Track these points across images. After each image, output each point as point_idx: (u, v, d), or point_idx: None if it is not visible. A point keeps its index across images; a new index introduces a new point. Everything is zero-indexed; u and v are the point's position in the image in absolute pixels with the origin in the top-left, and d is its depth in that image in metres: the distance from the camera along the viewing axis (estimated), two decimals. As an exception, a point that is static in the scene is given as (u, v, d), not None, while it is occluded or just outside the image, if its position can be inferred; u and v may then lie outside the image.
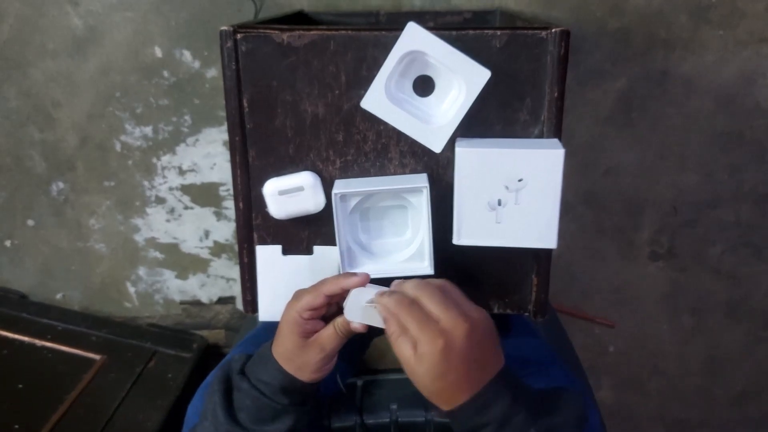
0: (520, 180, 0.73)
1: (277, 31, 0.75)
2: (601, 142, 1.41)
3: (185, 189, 1.47)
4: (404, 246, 0.80)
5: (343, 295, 0.69)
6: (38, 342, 1.44)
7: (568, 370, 0.94)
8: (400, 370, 0.99)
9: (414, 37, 0.72)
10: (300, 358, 0.70)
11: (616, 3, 1.30)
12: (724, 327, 1.61)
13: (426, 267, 0.78)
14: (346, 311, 0.69)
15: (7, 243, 1.55)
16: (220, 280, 1.57)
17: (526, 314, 0.85)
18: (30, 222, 1.53)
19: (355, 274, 0.70)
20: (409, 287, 0.66)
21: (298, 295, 0.70)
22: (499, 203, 0.75)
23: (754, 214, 1.48)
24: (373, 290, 0.69)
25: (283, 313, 0.71)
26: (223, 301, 1.60)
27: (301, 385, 0.70)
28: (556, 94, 0.75)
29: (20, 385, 1.33)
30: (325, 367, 0.71)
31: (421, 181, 0.77)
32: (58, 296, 1.60)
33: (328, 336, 0.70)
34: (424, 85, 0.77)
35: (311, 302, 0.68)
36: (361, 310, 0.69)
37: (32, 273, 1.58)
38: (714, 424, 1.73)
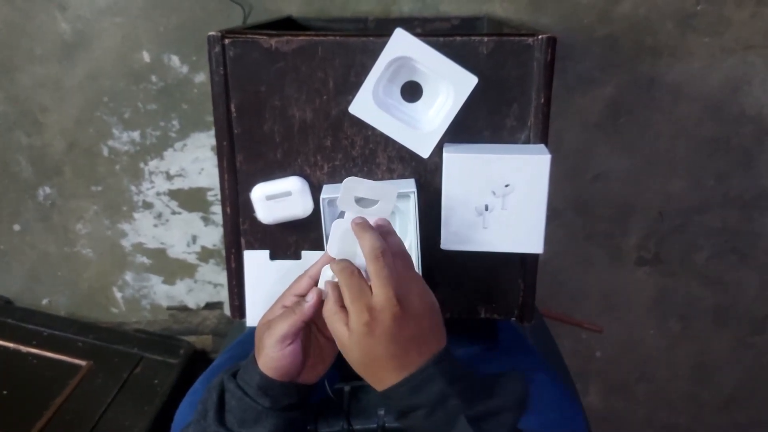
0: (506, 185, 0.74)
1: (265, 37, 0.75)
2: (589, 148, 1.42)
3: (173, 194, 1.47)
4: (392, 251, 0.80)
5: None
6: (24, 348, 1.43)
7: (555, 376, 0.94)
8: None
9: (402, 43, 0.73)
10: (258, 346, 0.69)
11: (603, 10, 1.30)
12: (711, 332, 1.62)
13: (413, 272, 0.78)
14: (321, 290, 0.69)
15: (-7, 248, 1.54)
16: (207, 286, 1.57)
17: (513, 319, 0.86)
18: (16, 227, 1.52)
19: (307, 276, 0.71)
20: (366, 250, 0.65)
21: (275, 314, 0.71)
22: (486, 208, 0.75)
23: (740, 220, 1.49)
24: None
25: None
26: (210, 306, 1.59)
27: (279, 385, 0.68)
28: (542, 100, 0.76)
29: (5, 392, 1.32)
30: (290, 361, 0.68)
31: (409, 186, 0.77)
32: (45, 302, 1.59)
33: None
34: (412, 91, 0.77)
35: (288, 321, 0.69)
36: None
37: (18, 278, 1.57)
38: (702, 430, 1.74)
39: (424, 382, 0.62)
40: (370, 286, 0.64)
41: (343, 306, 0.64)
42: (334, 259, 0.69)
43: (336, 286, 0.66)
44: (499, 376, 0.69)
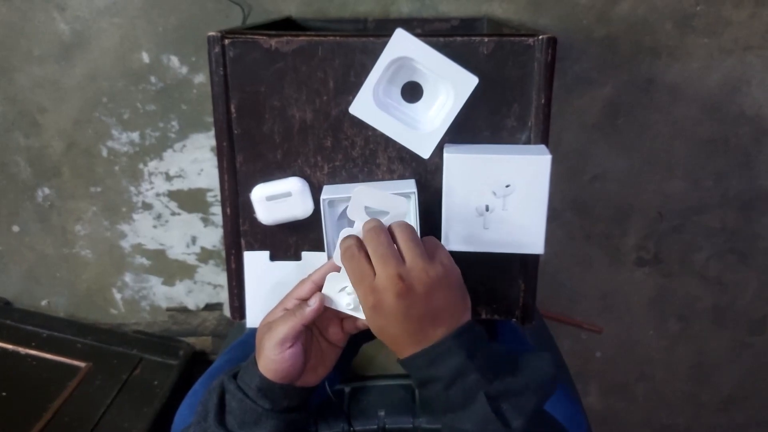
0: (507, 186, 0.74)
1: (264, 37, 0.75)
2: (587, 148, 1.42)
3: (172, 195, 1.47)
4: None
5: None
6: (22, 350, 1.43)
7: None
8: (387, 377, 0.99)
9: (402, 44, 0.72)
10: (258, 348, 0.69)
11: (602, 11, 1.31)
12: (710, 333, 1.62)
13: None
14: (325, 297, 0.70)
15: (-8, 249, 1.54)
16: (207, 287, 1.57)
17: (514, 320, 0.86)
18: (15, 228, 1.51)
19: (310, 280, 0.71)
20: (365, 229, 0.66)
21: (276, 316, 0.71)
22: (487, 209, 0.75)
23: (739, 220, 1.49)
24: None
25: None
26: (210, 307, 1.59)
27: (278, 387, 0.68)
28: (543, 101, 0.76)
29: (4, 393, 1.32)
30: (290, 364, 0.68)
31: (409, 186, 0.77)
32: (43, 303, 1.59)
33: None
34: (412, 92, 0.77)
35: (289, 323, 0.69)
36: (335, 295, 0.70)
37: (17, 279, 1.57)
38: (700, 430, 1.74)
39: (442, 354, 0.62)
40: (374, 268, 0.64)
41: None
42: (339, 267, 0.69)
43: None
44: (528, 355, 0.66)
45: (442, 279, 0.63)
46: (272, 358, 0.67)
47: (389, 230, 0.66)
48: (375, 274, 0.63)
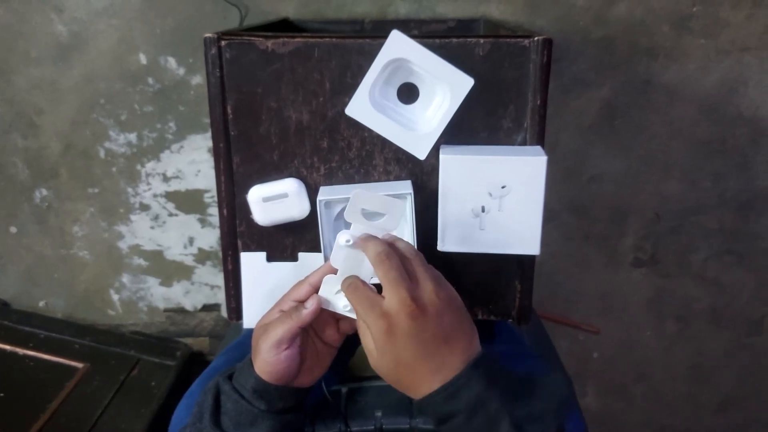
0: (503, 187, 0.74)
1: (261, 38, 0.75)
2: (585, 149, 1.42)
3: (169, 196, 1.47)
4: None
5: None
6: (20, 350, 1.43)
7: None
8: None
9: (398, 45, 0.73)
10: (255, 349, 0.69)
11: (599, 12, 1.31)
12: (708, 333, 1.62)
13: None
14: (321, 299, 0.70)
15: (-10, 250, 1.54)
16: (204, 288, 1.57)
17: (510, 320, 0.86)
18: (13, 229, 1.51)
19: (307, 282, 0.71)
20: (371, 256, 0.64)
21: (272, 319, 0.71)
22: (483, 210, 0.75)
23: (736, 221, 1.49)
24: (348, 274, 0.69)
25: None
26: (207, 308, 1.59)
27: (274, 388, 0.68)
28: (539, 102, 0.76)
29: (2, 394, 1.32)
30: (286, 366, 0.68)
31: (405, 187, 0.77)
32: (41, 304, 1.59)
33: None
34: (408, 93, 0.77)
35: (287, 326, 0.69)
36: (332, 297, 0.70)
37: (15, 280, 1.57)
38: (698, 430, 1.74)
39: (461, 387, 0.60)
40: (382, 295, 0.63)
41: None
42: (335, 269, 0.69)
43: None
44: (542, 379, 0.66)
45: (452, 302, 0.64)
46: (268, 360, 0.67)
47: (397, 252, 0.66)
48: (384, 299, 0.62)
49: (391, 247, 0.65)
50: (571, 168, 1.44)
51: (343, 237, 0.68)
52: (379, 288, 0.64)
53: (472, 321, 0.66)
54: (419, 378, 0.62)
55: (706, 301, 1.58)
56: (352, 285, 0.65)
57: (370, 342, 0.63)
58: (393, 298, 0.61)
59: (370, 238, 0.66)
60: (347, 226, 0.73)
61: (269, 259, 0.84)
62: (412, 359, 0.61)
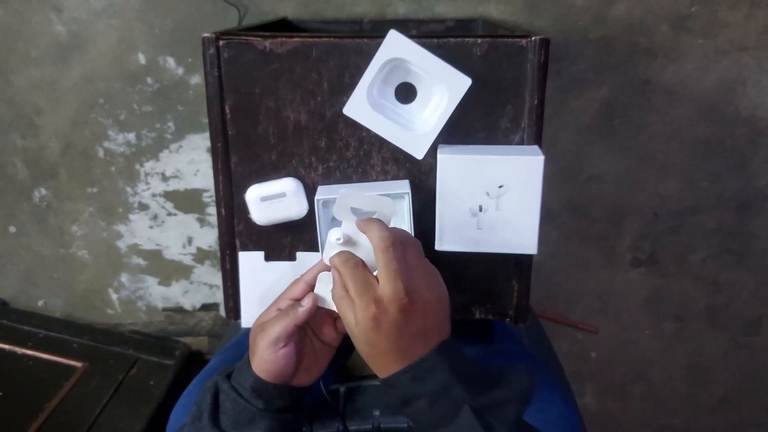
0: (500, 186, 0.74)
1: (259, 38, 0.75)
2: (583, 149, 1.42)
3: (168, 195, 1.47)
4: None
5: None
6: (19, 350, 1.43)
7: (551, 377, 0.94)
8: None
9: (395, 45, 0.73)
10: (252, 348, 0.69)
11: (598, 12, 1.31)
12: (705, 333, 1.62)
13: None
14: (317, 297, 0.70)
15: (-11, 250, 1.54)
16: (203, 287, 1.57)
17: (508, 320, 0.86)
18: (12, 229, 1.52)
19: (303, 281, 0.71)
20: (375, 241, 0.64)
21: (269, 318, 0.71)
22: (481, 209, 0.75)
23: (734, 221, 1.49)
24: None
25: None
26: (206, 307, 1.59)
27: (272, 387, 0.68)
28: (536, 102, 0.76)
29: (0, 393, 1.32)
30: (283, 364, 0.68)
31: (403, 187, 0.77)
32: (40, 303, 1.59)
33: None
34: (406, 93, 0.78)
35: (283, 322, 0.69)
36: (328, 295, 0.70)
37: (14, 280, 1.57)
38: (696, 430, 1.74)
39: (427, 370, 0.62)
40: (376, 277, 0.63)
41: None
42: (329, 266, 0.69)
43: (339, 272, 0.65)
44: (505, 369, 0.67)
45: (440, 300, 0.65)
46: (265, 358, 0.68)
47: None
48: (377, 285, 0.63)
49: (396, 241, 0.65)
50: (570, 168, 1.44)
51: (334, 234, 0.68)
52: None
53: (450, 321, 0.67)
54: (388, 362, 0.63)
55: (704, 300, 1.58)
56: (349, 261, 0.65)
57: (351, 319, 0.63)
58: (388, 287, 0.62)
59: (374, 221, 0.66)
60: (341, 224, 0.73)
61: (267, 258, 0.84)
62: (389, 347, 0.62)
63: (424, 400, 0.62)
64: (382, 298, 0.62)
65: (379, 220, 0.66)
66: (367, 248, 0.67)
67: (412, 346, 0.62)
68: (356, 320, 0.63)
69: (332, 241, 0.68)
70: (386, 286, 0.62)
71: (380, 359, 0.64)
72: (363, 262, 0.65)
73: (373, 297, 0.62)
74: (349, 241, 0.68)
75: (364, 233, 0.67)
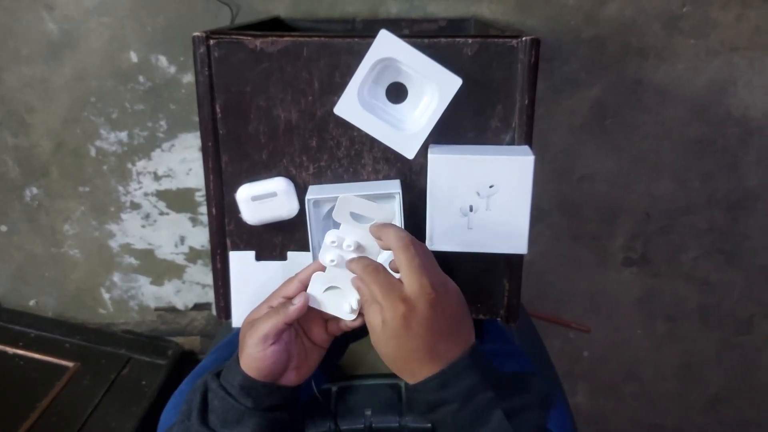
0: (491, 186, 0.74)
1: (250, 37, 0.75)
2: (575, 149, 1.42)
3: (161, 194, 1.47)
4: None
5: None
6: (10, 350, 1.43)
7: (541, 376, 0.95)
8: (374, 376, 0.99)
9: (386, 45, 0.73)
10: (241, 345, 0.69)
11: (590, 12, 1.31)
12: (697, 332, 1.63)
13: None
14: (309, 296, 0.70)
15: (-20, 249, 1.54)
16: (195, 287, 1.57)
17: (499, 319, 0.86)
18: (3, 228, 1.51)
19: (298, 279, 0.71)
20: (394, 241, 0.65)
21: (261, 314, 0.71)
22: (471, 209, 0.75)
23: (726, 221, 1.50)
24: (336, 272, 0.70)
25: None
26: (198, 307, 1.59)
27: (261, 385, 0.68)
28: (526, 102, 0.76)
29: (-8, 393, 1.32)
30: (272, 362, 0.68)
31: (394, 187, 0.77)
32: (31, 303, 1.59)
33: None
34: (397, 92, 0.78)
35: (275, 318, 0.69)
36: (320, 295, 0.70)
37: (5, 279, 1.56)
38: (688, 430, 1.75)
39: (457, 375, 0.62)
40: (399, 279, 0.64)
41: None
42: (324, 266, 0.70)
43: (362, 279, 0.66)
44: (524, 374, 0.69)
45: (459, 294, 0.66)
46: (254, 356, 0.68)
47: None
48: (402, 285, 0.63)
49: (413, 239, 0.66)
50: (562, 168, 1.44)
51: (330, 237, 0.68)
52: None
53: (471, 317, 0.67)
54: (418, 364, 0.63)
55: (695, 300, 1.59)
56: (370, 266, 0.65)
57: (378, 322, 0.63)
58: (415, 284, 0.62)
59: (389, 225, 0.67)
60: (336, 225, 0.73)
61: (258, 258, 0.84)
62: (419, 346, 0.62)
63: (452, 405, 0.62)
64: (409, 295, 0.62)
65: (392, 224, 0.67)
66: (374, 253, 0.69)
67: (441, 342, 0.63)
68: (384, 321, 0.62)
69: (328, 243, 0.69)
70: (413, 282, 0.62)
71: (410, 362, 0.63)
72: (383, 266, 0.66)
73: (399, 296, 0.62)
74: (358, 247, 0.69)
75: (379, 237, 0.67)
